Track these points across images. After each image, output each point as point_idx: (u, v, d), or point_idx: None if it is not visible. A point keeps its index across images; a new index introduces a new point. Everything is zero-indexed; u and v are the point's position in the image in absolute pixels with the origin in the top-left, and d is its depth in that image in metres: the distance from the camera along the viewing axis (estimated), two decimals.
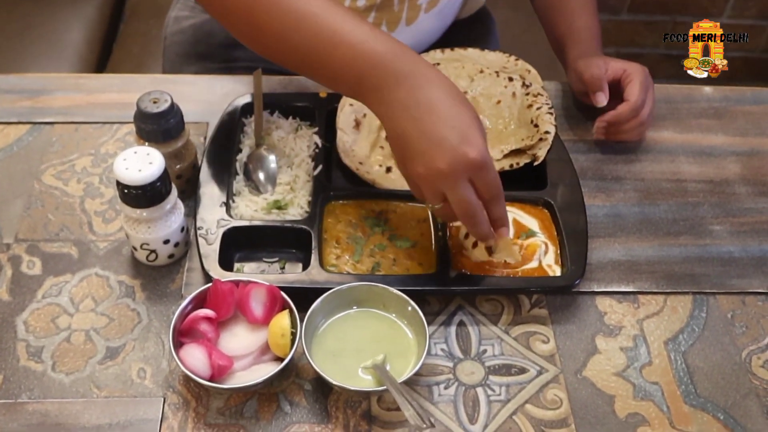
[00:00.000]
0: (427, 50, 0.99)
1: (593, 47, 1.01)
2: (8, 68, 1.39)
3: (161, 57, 1.19)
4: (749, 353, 0.79)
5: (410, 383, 0.72)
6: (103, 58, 1.51)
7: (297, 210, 0.84)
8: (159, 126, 0.80)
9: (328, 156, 0.90)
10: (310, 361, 0.69)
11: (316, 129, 0.92)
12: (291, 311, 0.72)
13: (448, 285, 0.79)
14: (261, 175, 0.87)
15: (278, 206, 0.84)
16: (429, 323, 0.73)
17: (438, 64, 0.94)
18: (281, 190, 0.86)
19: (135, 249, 0.80)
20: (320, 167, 0.88)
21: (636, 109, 0.92)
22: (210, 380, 0.69)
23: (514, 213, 0.85)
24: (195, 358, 0.69)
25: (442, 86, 0.71)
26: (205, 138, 0.93)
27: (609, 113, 0.93)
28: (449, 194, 0.70)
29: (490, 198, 0.72)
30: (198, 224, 0.81)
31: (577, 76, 0.97)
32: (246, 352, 0.72)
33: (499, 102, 0.93)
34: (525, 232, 0.83)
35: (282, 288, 0.74)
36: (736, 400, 0.75)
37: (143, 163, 0.73)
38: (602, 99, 0.93)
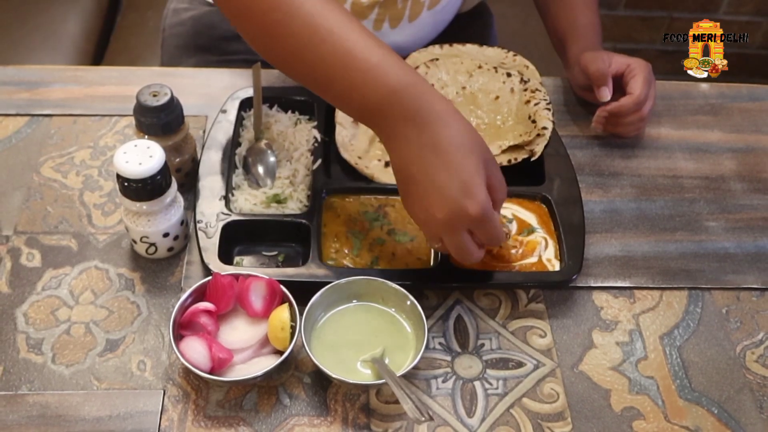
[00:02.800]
0: (426, 46, 0.99)
1: (595, 43, 1.01)
2: (5, 60, 1.38)
3: (159, 49, 1.19)
4: (743, 348, 0.80)
5: (408, 377, 0.73)
6: (100, 50, 1.50)
7: (296, 204, 0.85)
8: (159, 119, 0.80)
9: (327, 150, 0.90)
10: (310, 355, 0.70)
11: (315, 123, 0.93)
12: (290, 305, 0.73)
13: (447, 279, 0.79)
14: (260, 169, 0.87)
15: (277, 200, 0.84)
16: (427, 317, 0.74)
17: (437, 59, 0.95)
18: (280, 184, 0.86)
19: (134, 242, 0.80)
20: (319, 161, 0.88)
21: (639, 103, 0.92)
22: (210, 373, 0.70)
23: (513, 209, 0.86)
24: (195, 350, 0.69)
25: (450, 126, 0.67)
26: (204, 131, 0.93)
27: (611, 104, 0.93)
28: (445, 239, 0.70)
29: (488, 243, 0.72)
30: (197, 218, 0.81)
31: (581, 70, 0.96)
32: (245, 345, 0.72)
33: (497, 98, 0.93)
34: (526, 228, 0.84)
35: (281, 281, 0.74)
36: (731, 394, 0.76)
37: (143, 157, 0.74)
38: (606, 93, 0.93)
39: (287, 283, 0.74)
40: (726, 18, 1.85)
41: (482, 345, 0.77)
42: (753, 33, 1.92)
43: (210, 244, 0.79)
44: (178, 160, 0.84)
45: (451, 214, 0.67)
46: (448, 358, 0.76)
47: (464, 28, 1.16)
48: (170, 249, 0.81)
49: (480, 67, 0.95)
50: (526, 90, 0.93)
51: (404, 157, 0.69)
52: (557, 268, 0.81)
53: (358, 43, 0.69)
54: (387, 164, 0.89)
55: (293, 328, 0.71)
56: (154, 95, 0.80)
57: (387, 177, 0.88)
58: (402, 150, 0.69)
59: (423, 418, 0.66)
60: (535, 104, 0.91)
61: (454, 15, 1.12)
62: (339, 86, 0.71)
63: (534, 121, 0.90)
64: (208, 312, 0.73)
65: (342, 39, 0.69)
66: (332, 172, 0.89)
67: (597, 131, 0.97)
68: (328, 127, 0.92)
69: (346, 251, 0.81)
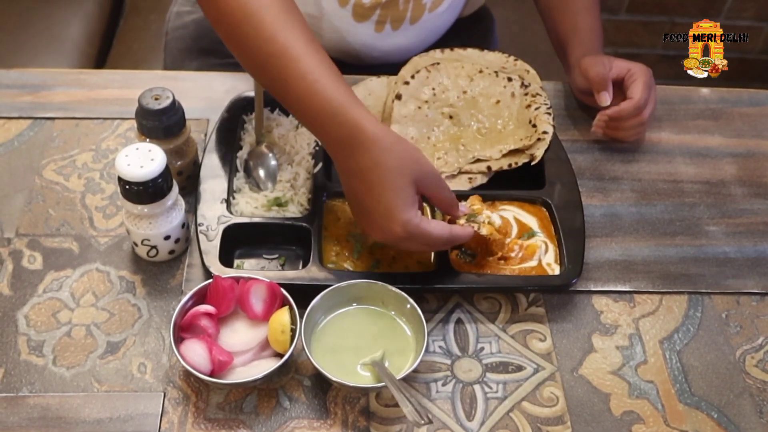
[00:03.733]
0: (427, 50, 1.00)
1: (596, 48, 1.01)
2: (8, 63, 1.38)
3: (162, 52, 1.20)
4: (743, 353, 0.80)
5: (408, 380, 0.73)
6: (102, 54, 1.51)
7: (297, 207, 0.85)
8: (160, 122, 0.81)
9: (327, 154, 0.90)
10: (310, 358, 0.70)
11: None
12: (291, 308, 0.73)
13: (447, 283, 0.79)
14: (261, 173, 0.88)
15: (278, 203, 0.85)
16: (427, 321, 0.74)
17: (438, 63, 0.95)
18: (281, 188, 0.87)
19: (136, 245, 0.80)
20: (320, 165, 0.88)
21: (639, 107, 0.92)
22: (210, 375, 0.70)
23: (514, 212, 0.86)
24: (196, 353, 0.70)
25: (375, 151, 0.70)
26: (205, 135, 0.94)
27: (612, 108, 0.93)
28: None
29: (433, 247, 0.77)
30: (198, 220, 0.81)
31: (582, 74, 0.96)
32: (246, 348, 0.73)
33: (498, 102, 0.94)
34: (527, 232, 0.84)
35: (282, 285, 0.74)
36: (730, 399, 0.76)
37: (145, 160, 0.74)
38: (606, 98, 0.93)
39: (288, 286, 0.74)
40: (727, 23, 1.84)
41: (482, 348, 0.77)
42: (754, 38, 1.92)
43: (211, 247, 0.79)
44: (179, 163, 0.85)
45: (382, 235, 0.73)
46: (448, 362, 0.76)
47: (466, 32, 1.16)
48: (171, 252, 0.81)
49: (481, 71, 0.95)
50: (526, 94, 0.93)
51: (343, 178, 0.75)
52: (557, 272, 0.81)
53: (310, 60, 0.73)
54: None
55: (293, 331, 0.72)
56: (156, 98, 0.80)
57: None
58: (340, 172, 0.75)
59: (422, 422, 0.66)
60: (536, 109, 0.91)
61: (456, 18, 1.13)
62: (292, 103, 0.75)
63: (534, 126, 0.90)
64: (208, 315, 0.73)
65: (292, 58, 0.73)
66: (333, 175, 0.89)
67: (597, 135, 0.97)
68: None
69: (347, 254, 0.82)
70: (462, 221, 0.79)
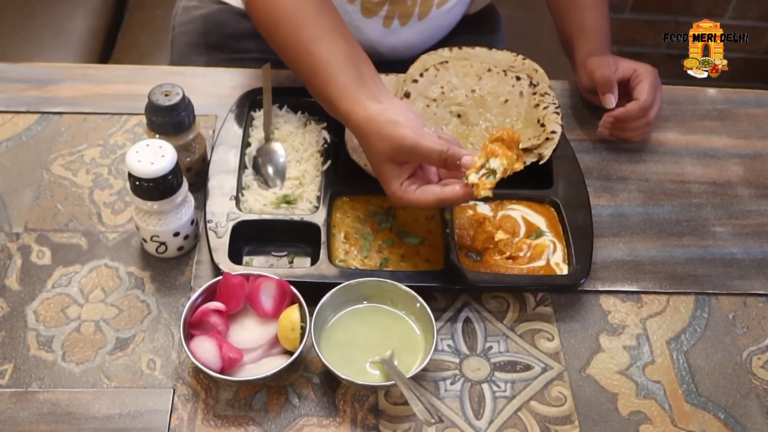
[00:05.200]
0: (435, 47, 1.00)
1: (603, 46, 1.01)
2: (13, 56, 1.38)
3: (168, 47, 1.19)
4: (750, 354, 0.80)
5: (417, 378, 0.73)
6: (107, 48, 1.51)
7: (306, 205, 0.85)
8: (170, 119, 0.81)
9: (336, 151, 0.91)
10: (319, 355, 0.70)
11: (324, 124, 0.93)
12: (300, 305, 0.73)
13: (455, 282, 0.80)
14: (270, 170, 0.88)
15: (287, 201, 0.85)
16: (435, 319, 0.74)
17: (446, 62, 0.95)
18: (290, 185, 0.87)
19: (145, 241, 0.80)
20: (329, 162, 0.88)
21: (645, 108, 0.92)
22: (220, 372, 0.70)
23: (522, 211, 0.86)
24: (206, 350, 0.70)
25: (360, 140, 0.79)
26: (213, 131, 0.94)
27: (618, 110, 0.93)
28: None
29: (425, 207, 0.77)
30: (208, 217, 0.81)
31: (587, 73, 0.97)
32: (255, 345, 0.73)
33: (506, 101, 0.94)
34: (535, 231, 0.84)
35: (291, 282, 0.74)
36: (737, 399, 0.76)
37: (155, 156, 0.74)
38: (611, 101, 0.93)
39: (297, 284, 0.75)
40: (731, 23, 1.85)
41: (490, 347, 0.78)
42: (759, 38, 1.92)
43: (220, 243, 0.79)
44: (188, 159, 0.85)
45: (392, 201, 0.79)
46: (457, 360, 0.76)
47: (472, 29, 1.16)
48: (180, 248, 0.81)
49: (489, 70, 0.95)
50: (535, 94, 0.93)
51: None
52: (565, 271, 0.82)
53: (332, 58, 0.80)
54: None
55: (303, 328, 0.72)
56: (166, 95, 0.80)
57: None
58: None
59: (432, 420, 0.67)
60: (544, 108, 0.91)
61: (463, 15, 1.13)
62: (322, 98, 0.83)
63: (543, 125, 0.90)
64: (218, 312, 0.73)
65: (323, 57, 0.81)
66: (341, 173, 0.89)
67: (604, 135, 0.97)
68: (337, 129, 0.92)
69: (356, 252, 0.82)
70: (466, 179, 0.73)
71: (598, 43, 1.01)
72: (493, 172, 0.72)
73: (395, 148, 0.75)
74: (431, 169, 0.78)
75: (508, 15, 1.32)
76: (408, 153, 0.75)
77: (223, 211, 0.82)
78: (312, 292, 0.74)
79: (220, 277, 0.74)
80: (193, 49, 1.12)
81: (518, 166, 0.74)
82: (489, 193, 0.72)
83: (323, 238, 0.80)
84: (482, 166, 0.73)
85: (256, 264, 0.82)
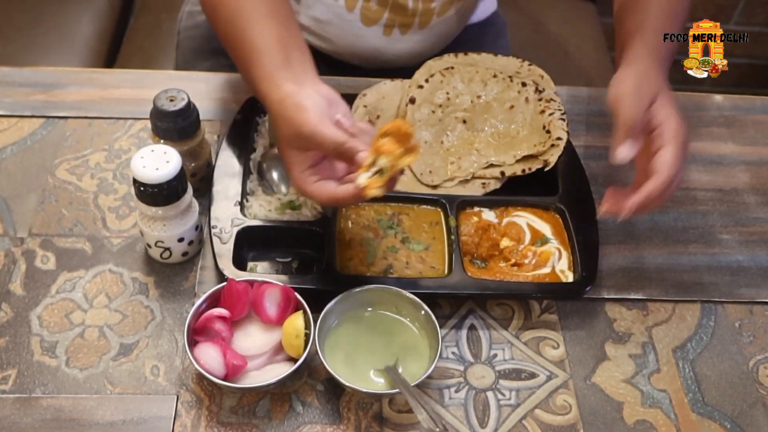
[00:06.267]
0: (439, 54, 0.99)
1: (655, 57, 0.81)
2: (18, 60, 1.38)
3: (174, 51, 1.19)
4: (756, 363, 0.79)
5: (421, 386, 0.73)
6: (113, 52, 1.51)
7: (310, 211, 0.85)
8: (175, 124, 0.80)
9: None
10: (323, 362, 0.70)
11: None
12: (305, 312, 0.73)
13: (460, 289, 0.79)
14: (275, 175, 0.87)
15: (292, 206, 0.84)
16: (440, 326, 0.74)
17: (452, 68, 0.95)
18: (295, 191, 0.86)
19: (149, 246, 0.80)
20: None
21: (665, 187, 0.74)
22: (224, 379, 0.70)
23: (528, 218, 0.86)
24: (210, 357, 0.70)
25: (273, 123, 0.77)
26: (218, 136, 0.94)
27: (631, 198, 0.73)
28: None
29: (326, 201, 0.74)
30: (212, 223, 0.81)
31: (612, 99, 0.77)
32: (259, 352, 0.72)
33: (512, 107, 0.93)
34: (540, 239, 0.84)
35: (295, 289, 0.74)
36: (743, 409, 0.76)
37: (160, 162, 0.74)
38: (623, 155, 0.74)
39: (301, 290, 0.74)
40: (737, 28, 1.85)
41: (495, 355, 0.77)
42: (764, 43, 1.92)
43: (225, 249, 0.79)
44: (193, 165, 0.85)
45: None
46: (461, 368, 0.76)
47: (478, 37, 1.16)
48: (185, 254, 0.81)
49: (495, 76, 0.95)
50: (540, 100, 0.93)
51: None
52: (570, 279, 0.81)
53: (257, 32, 0.78)
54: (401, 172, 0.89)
55: (307, 335, 0.71)
56: (171, 100, 0.80)
57: (401, 185, 0.87)
58: None
59: (437, 429, 0.66)
60: (550, 114, 0.91)
61: (466, 23, 1.12)
62: (242, 70, 0.82)
63: (548, 131, 0.90)
64: (222, 318, 0.73)
65: (251, 37, 0.78)
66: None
67: (609, 143, 0.77)
68: None
69: (360, 259, 0.81)
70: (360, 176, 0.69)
71: (652, 52, 0.82)
72: (381, 171, 0.68)
73: (295, 133, 0.71)
74: (339, 163, 0.74)
75: (514, 20, 1.32)
76: (306, 139, 0.70)
77: (227, 217, 0.82)
78: (316, 298, 0.74)
79: (225, 283, 0.74)
80: (197, 55, 1.12)
81: (408, 160, 0.68)
82: (379, 193, 0.68)
83: (328, 244, 0.80)
84: (371, 165, 0.68)
85: (261, 270, 0.82)
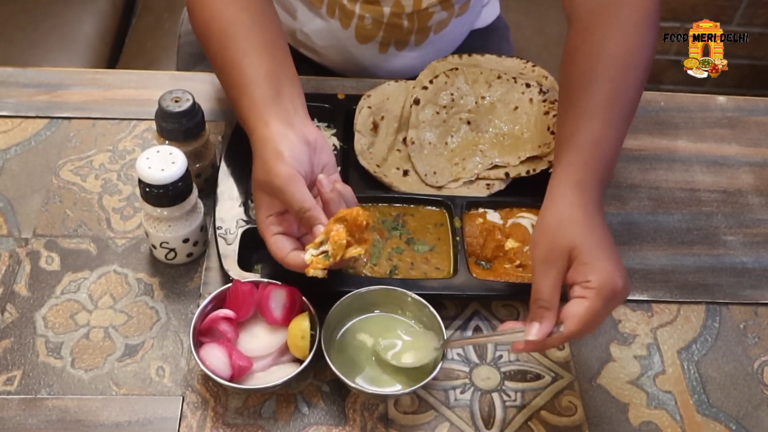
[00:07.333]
0: (444, 56, 0.99)
1: (583, 186, 0.71)
2: (20, 60, 1.38)
3: (175, 53, 1.19)
4: (761, 364, 0.79)
5: (427, 387, 0.73)
6: (115, 52, 1.51)
7: None
8: (180, 125, 0.80)
9: (345, 158, 0.90)
10: (329, 363, 0.70)
11: (334, 131, 0.93)
12: (310, 313, 0.73)
13: (465, 290, 0.79)
14: None
15: None
16: (445, 327, 0.74)
17: (456, 69, 0.95)
18: None
19: (154, 247, 0.80)
20: (338, 169, 0.88)
21: (565, 339, 0.67)
22: (229, 380, 0.70)
23: (532, 220, 0.86)
24: (216, 358, 0.69)
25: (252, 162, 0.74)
26: (222, 137, 0.94)
27: (530, 341, 0.66)
28: None
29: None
30: (217, 224, 0.81)
31: (530, 250, 0.70)
32: (265, 353, 0.72)
33: (516, 108, 0.93)
34: None
35: (301, 290, 0.74)
36: (748, 410, 0.76)
37: (166, 163, 0.74)
38: (532, 332, 0.66)
39: (306, 292, 0.74)
40: (739, 30, 1.85)
41: (500, 356, 0.77)
42: (767, 44, 1.92)
43: (230, 250, 0.79)
44: (198, 165, 0.85)
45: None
46: (467, 369, 0.76)
47: (481, 41, 1.15)
48: (189, 255, 0.81)
49: (499, 77, 0.95)
50: (545, 101, 0.93)
51: None
52: None
53: (246, 59, 0.77)
54: (405, 173, 0.89)
55: (313, 336, 0.71)
56: (176, 101, 0.80)
57: (406, 186, 0.88)
58: None
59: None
60: (554, 115, 0.91)
61: (468, 32, 1.12)
62: (231, 101, 0.79)
63: (553, 132, 0.90)
64: (228, 319, 0.73)
65: (241, 72, 0.77)
66: (351, 180, 0.89)
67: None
68: (346, 135, 0.92)
69: (365, 260, 0.81)
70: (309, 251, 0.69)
71: (579, 176, 0.71)
72: (326, 253, 0.68)
73: (266, 181, 0.70)
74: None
75: (517, 21, 1.32)
76: (274, 192, 0.70)
77: (232, 218, 0.82)
78: (321, 299, 0.74)
79: (230, 284, 0.74)
80: (197, 58, 1.12)
81: (355, 252, 0.68)
82: (320, 275, 0.68)
83: None
84: (321, 243, 0.68)
85: (266, 270, 0.81)
